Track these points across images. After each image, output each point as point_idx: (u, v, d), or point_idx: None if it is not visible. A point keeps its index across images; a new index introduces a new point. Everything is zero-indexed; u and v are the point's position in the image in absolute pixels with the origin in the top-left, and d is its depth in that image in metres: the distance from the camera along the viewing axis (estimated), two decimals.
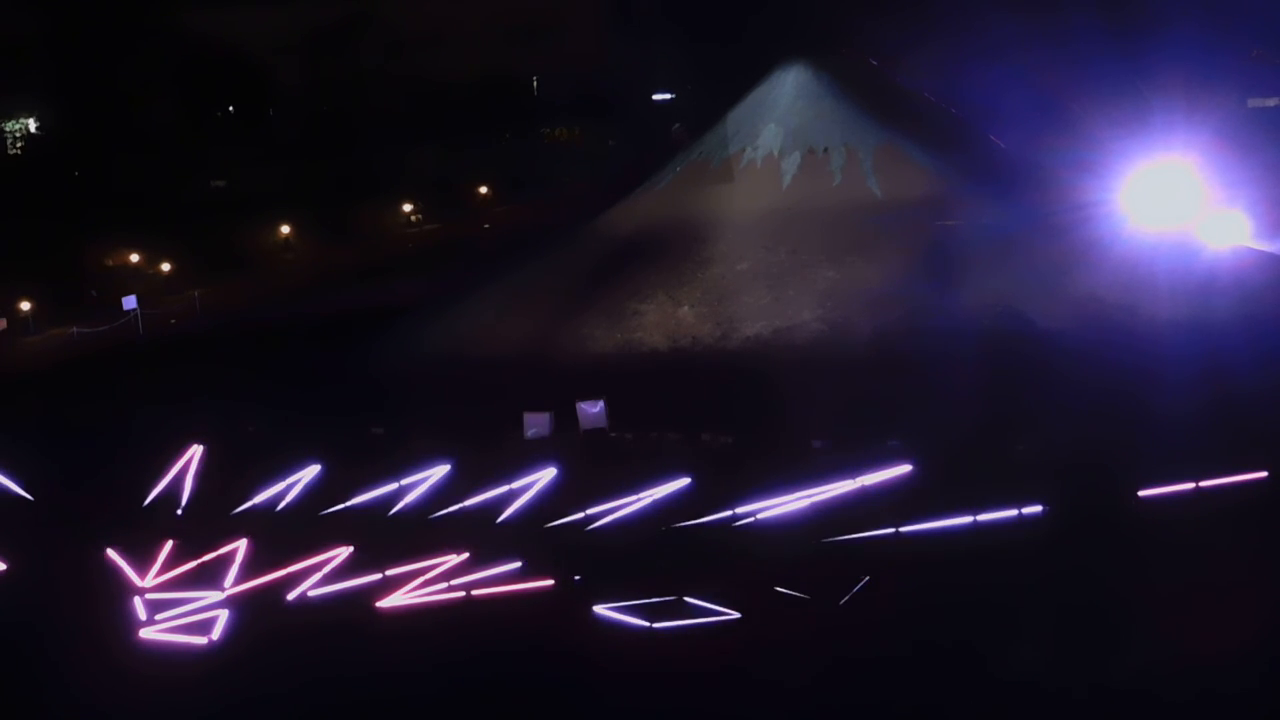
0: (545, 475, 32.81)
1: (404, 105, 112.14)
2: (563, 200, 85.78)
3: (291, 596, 28.61)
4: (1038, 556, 27.16)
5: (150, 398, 43.70)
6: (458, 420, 37.52)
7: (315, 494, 33.63)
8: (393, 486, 33.13)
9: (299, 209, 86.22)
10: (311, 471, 34.19)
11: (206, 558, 30.57)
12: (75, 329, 61.80)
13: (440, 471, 33.55)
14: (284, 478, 33.98)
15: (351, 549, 30.06)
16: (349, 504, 32.89)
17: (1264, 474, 29.52)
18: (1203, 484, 29.35)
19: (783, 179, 51.47)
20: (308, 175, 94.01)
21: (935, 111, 57.85)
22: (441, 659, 25.30)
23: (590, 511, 30.95)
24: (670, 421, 36.93)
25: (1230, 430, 31.81)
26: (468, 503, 32.26)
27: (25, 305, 64.25)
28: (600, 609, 26.60)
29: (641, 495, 31.18)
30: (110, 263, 76.53)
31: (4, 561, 31.56)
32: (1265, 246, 52.08)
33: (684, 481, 31.57)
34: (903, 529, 28.69)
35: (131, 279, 71.76)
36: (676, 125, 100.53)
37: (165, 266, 75.38)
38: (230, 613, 28.06)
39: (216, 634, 27.28)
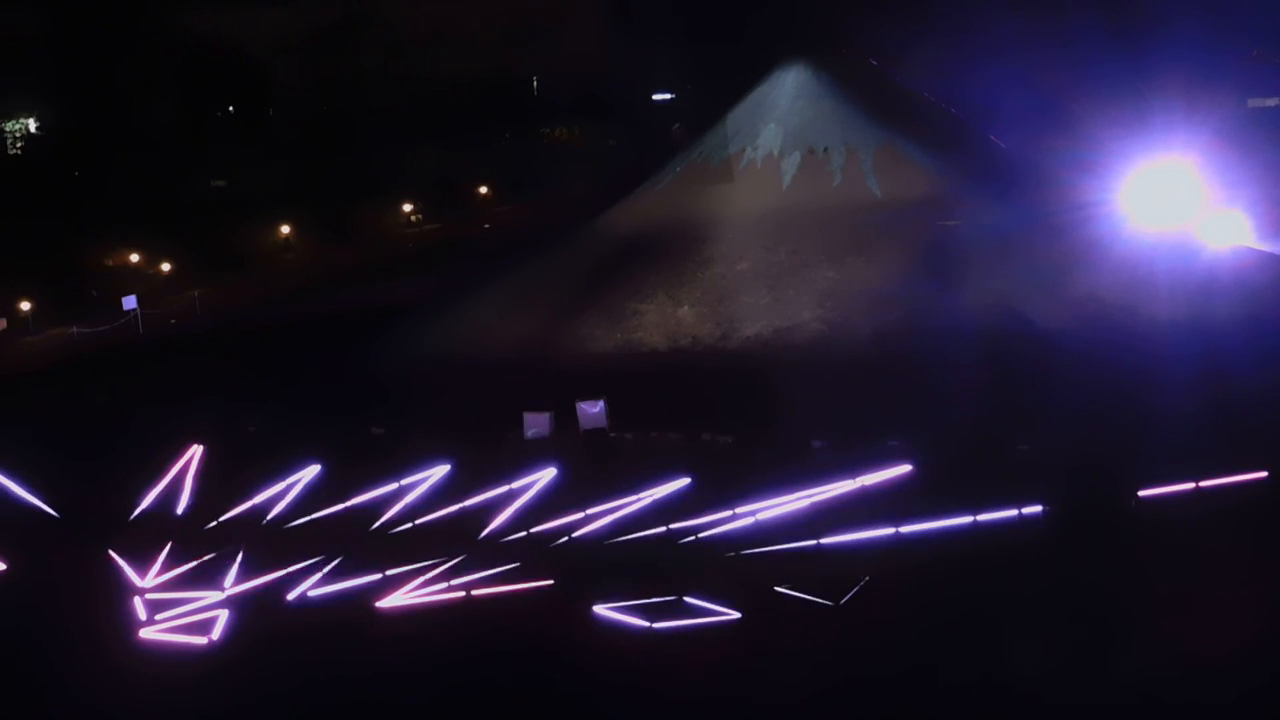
0: (545, 475, 32.81)
1: (404, 105, 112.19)
2: (563, 200, 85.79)
3: (291, 596, 28.62)
4: (1038, 557, 27.15)
5: (150, 398, 43.76)
6: (458, 420, 37.52)
7: (315, 494, 33.61)
8: (393, 486, 33.12)
9: (299, 209, 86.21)
10: (311, 471, 34.18)
11: (206, 558, 30.59)
12: (75, 329, 61.81)
13: (440, 471, 33.53)
14: (284, 478, 33.97)
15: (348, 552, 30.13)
16: (349, 504, 32.87)
17: (1264, 474, 29.51)
18: (1203, 484, 29.34)
19: (783, 179, 51.47)
20: (308, 175, 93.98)
21: (935, 111, 57.85)
22: (441, 659, 25.30)
23: (590, 511, 30.95)
24: (670, 421, 36.92)
25: (1230, 430, 31.80)
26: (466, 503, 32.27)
27: (25, 305, 64.28)
28: (600, 609, 26.60)
29: (641, 495, 31.17)
30: (110, 263, 76.56)
31: (4, 561, 31.56)
32: (1265, 246, 52.07)
33: (684, 481, 31.58)
34: (903, 529, 28.70)
35: (131, 279, 71.77)
36: (676, 125, 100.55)
37: (165, 266, 75.38)
38: (230, 613, 28.07)
39: (216, 634, 27.28)
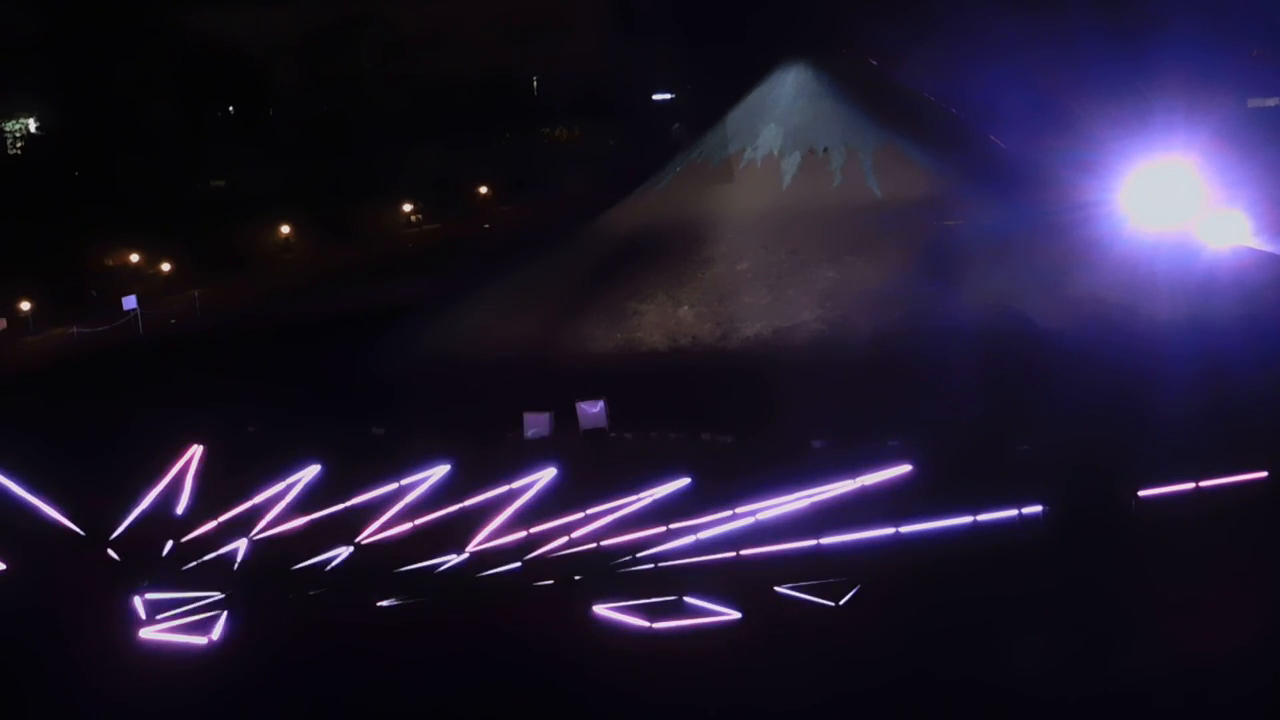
0: (545, 475, 32.80)
1: (404, 105, 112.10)
2: (563, 200, 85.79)
3: (291, 596, 28.62)
4: (1037, 557, 27.14)
5: (150, 398, 43.69)
6: (458, 420, 37.51)
7: (315, 494, 33.60)
8: (393, 487, 33.10)
9: (299, 209, 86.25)
10: (311, 471, 34.16)
11: (207, 557, 30.58)
12: (75, 329, 61.85)
13: (440, 471, 33.51)
14: (284, 478, 33.94)
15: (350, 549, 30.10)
16: (349, 504, 32.85)
17: (1264, 474, 29.48)
18: (1203, 484, 29.30)
19: (783, 179, 51.47)
20: (308, 175, 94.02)
21: (935, 111, 57.85)
22: (441, 659, 25.28)
23: (590, 511, 30.94)
24: (670, 421, 36.92)
25: (1230, 430, 31.81)
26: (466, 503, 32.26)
27: (25, 305, 64.33)
28: (600, 609, 26.60)
29: (641, 495, 31.15)
30: (110, 262, 76.64)
31: (4, 561, 31.55)
32: (1265, 246, 52.07)
33: (684, 481, 31.57)
34: (902, 529, 28.69)
35: (131, 279, 71.85)
36: (676, 125, 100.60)
37: (165, 266, 75.44)
38: (230, 613, 28.08)
39: (216, 634, 27.27)
